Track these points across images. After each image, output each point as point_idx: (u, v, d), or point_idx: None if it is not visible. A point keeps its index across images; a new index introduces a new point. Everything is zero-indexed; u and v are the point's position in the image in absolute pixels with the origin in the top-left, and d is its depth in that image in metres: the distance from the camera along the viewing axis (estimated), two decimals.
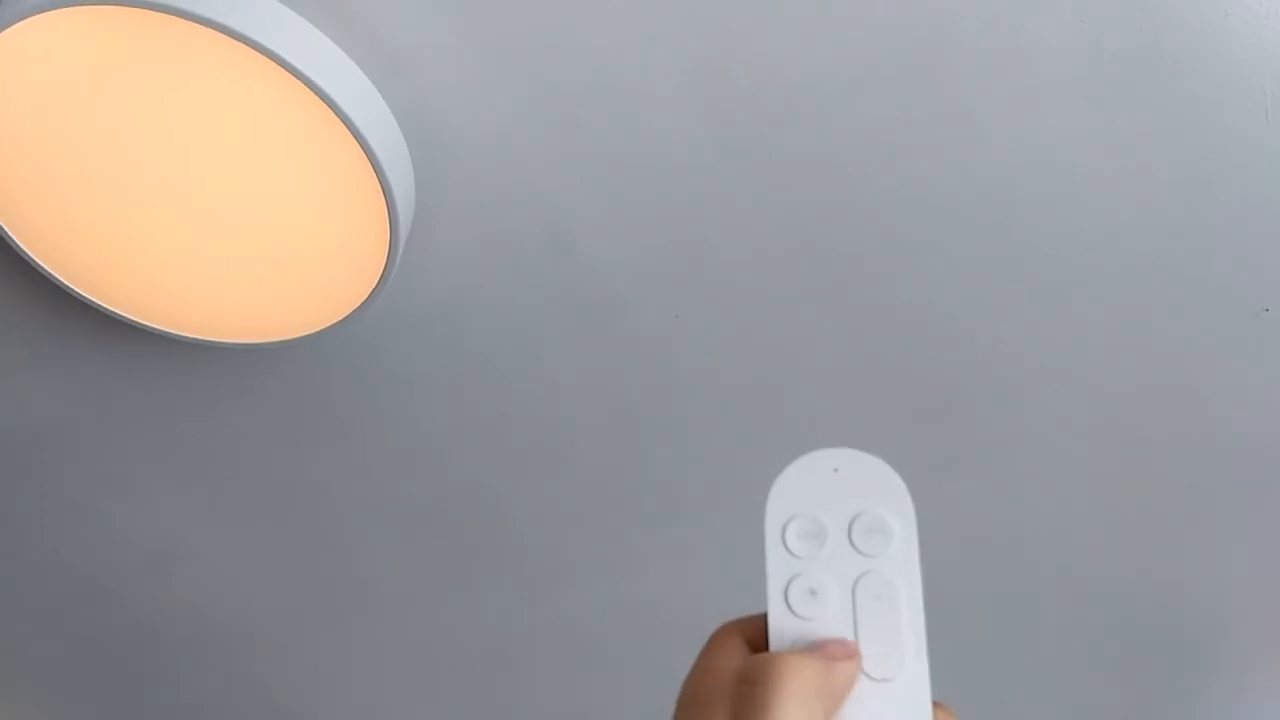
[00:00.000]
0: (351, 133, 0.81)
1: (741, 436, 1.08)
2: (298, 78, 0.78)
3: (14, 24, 0.74)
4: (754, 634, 0.47)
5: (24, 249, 0.89)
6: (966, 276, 0.94)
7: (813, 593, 0.47)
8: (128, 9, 0.74)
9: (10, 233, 0.88)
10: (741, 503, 1.09)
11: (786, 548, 0.47)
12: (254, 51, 0.76)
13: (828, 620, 0.46)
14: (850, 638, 0.46)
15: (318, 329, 0.93)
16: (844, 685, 0.45)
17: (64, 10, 0.74)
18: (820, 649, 0.45)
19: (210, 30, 0.75)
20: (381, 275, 0.88)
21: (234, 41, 0.76)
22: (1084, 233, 0.91)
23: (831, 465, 0.48)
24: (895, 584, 0.46)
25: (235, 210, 0.86)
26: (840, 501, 0.48)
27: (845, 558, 0.47)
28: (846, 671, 0.45)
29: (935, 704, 0.46)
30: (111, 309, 0.93)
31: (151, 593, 1.28)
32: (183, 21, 0.74)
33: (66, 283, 0.92)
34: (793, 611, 0.46)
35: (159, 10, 0.74)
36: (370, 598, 1.27)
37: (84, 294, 0.92)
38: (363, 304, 0.91)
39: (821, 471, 0.48)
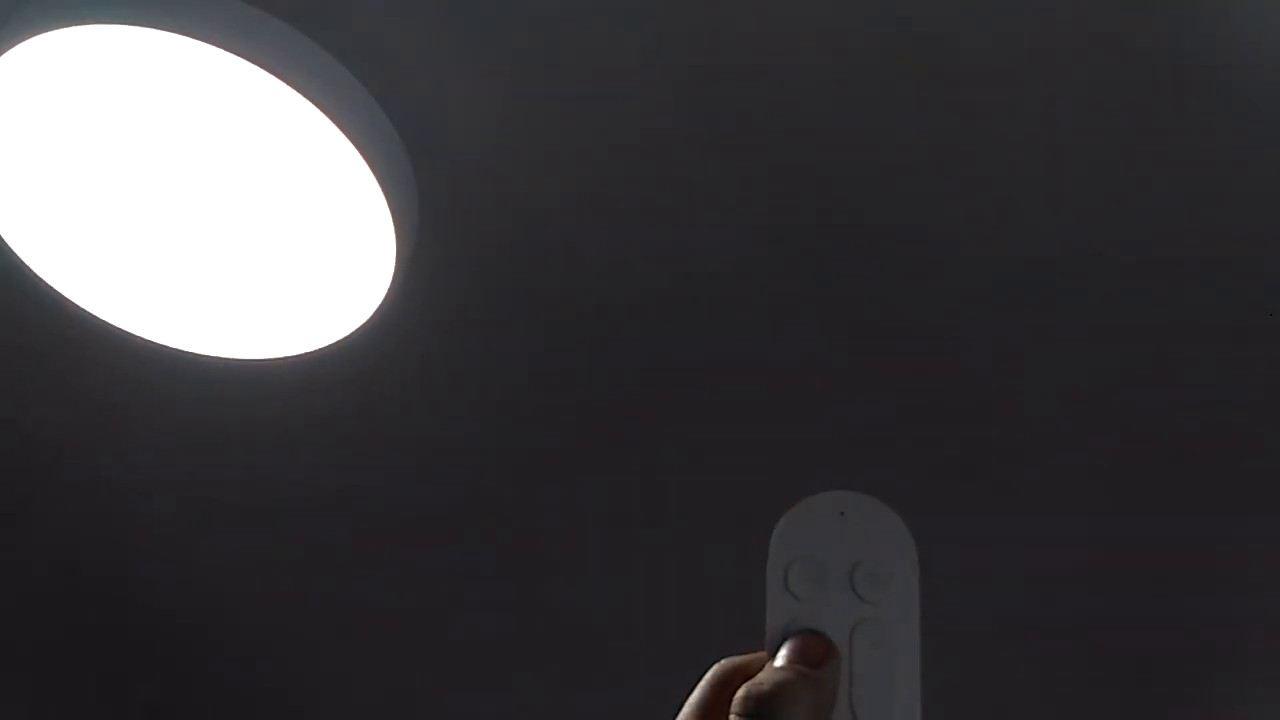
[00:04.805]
0: (355, 148, 0.81)
1: (741, 448, 1.07)
2: (302, 94, 0.78)
3: (19, 43, 0.75)
4: (754, 674, 0.46)
5: (26, 262, 0.89)
6: (964, 284, 0.94)
7: None
8: (131, 27, 0.74)
9: (12, 246, 0.88)
10: (744, 512, 1.09)
11: (788, 589, 0.47)
12: (256, 68, 0.77)
13: None
14: (845, 683, 0.45)
15: (323, 345, 0.93)
16: (832, 690, 0.45)
17: (67, 30, 0.74)
18: (800, 655, 0.45)
19: (213, 48, 0.75)
20: (387, 291, 0.88)
21: (236, 59, 0.76)
22: (1084, 238, 0.90)
23: (838, 509, 0.48)
24: (893, 632, 0.46)
25: (239, 228, 0.86)
26: (844, 546, 0.47)
27: (845, 603, 0.46)
28: (832, 676, 0.45)
29: None
30: (114, 324, 0.94)
31: (153, 603, 1.28)
32: (187, 39, 0.75)
33: (73, 298, 0.92)
34: None
35: (163, 29, 0.74)
36: (374, 606, 1.27)
37: (88, 309, 0.92)
38: (368, 319, 0.91)
39: (827, 514, 0.48)
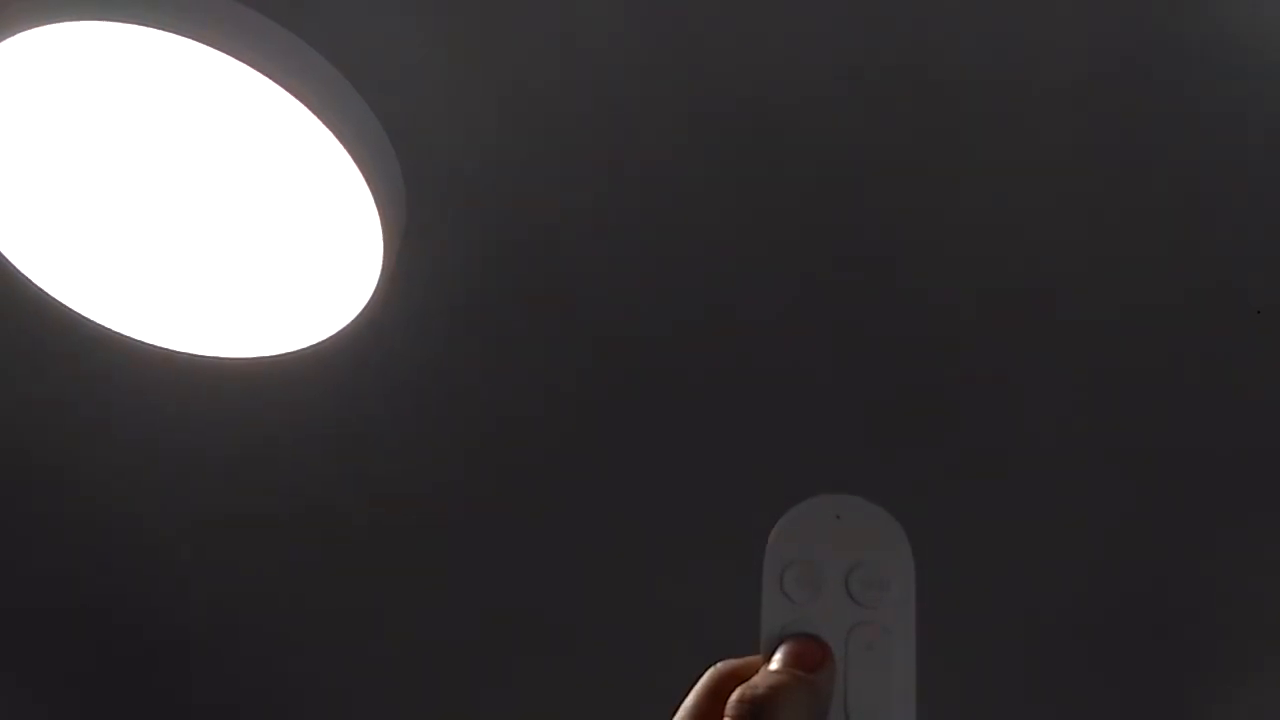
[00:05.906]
0: (344, 148, 0.80)
1: (737, 451, 1.07)
2: (291, 93, 0.78)
3: (2, 40, 0.74)
4: (749, 677, 0.46)
5: (15, 264, 0.88)
6: (963, 289, 0.94)
7: None
8: (118, 24, 0.73)
9: (1, 247, 0.88)
10: (741, 515, 1.08)
11: (783, 592, 0.46)
12: (244, 66, 0.76)
13: None
14: (840, 687, 0.45)
15: (310, 344, 0.92)
16: (828, 694, 0.45)
17: (51, 27, 0.73)
18: (795, 658, 0.45)
19: (201, 46, 0.74)
20: (374, 291, 0.88)
21: (224, 57, 0.75)
22: (1076, 243, 0.90)
23: (834, 512, 0.47)
24: (888, 636, 0.45)
25: (225, 226, 0.85)
26: (840, 549, 0.47)
27: (841, 607, 0.46)
28: (828, 679, 0.45)
29: None
30: (104, 324, 0.93)
31: (151, 604, 1.28)
32: (174, 37, 0.74)
33: (61, 300, 0.91)
34: None
35: (150, 26, 0.73)
36: (363, 606, 1.27)
37: (70, 305, 0.92)
38: (356, 318, 0.90)
39: (824, 517, 0.47)
